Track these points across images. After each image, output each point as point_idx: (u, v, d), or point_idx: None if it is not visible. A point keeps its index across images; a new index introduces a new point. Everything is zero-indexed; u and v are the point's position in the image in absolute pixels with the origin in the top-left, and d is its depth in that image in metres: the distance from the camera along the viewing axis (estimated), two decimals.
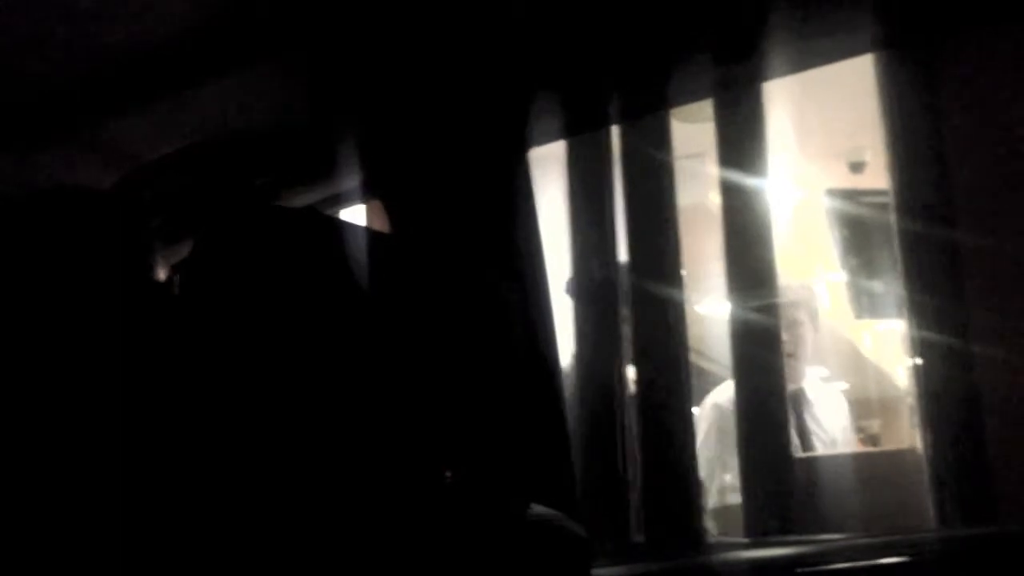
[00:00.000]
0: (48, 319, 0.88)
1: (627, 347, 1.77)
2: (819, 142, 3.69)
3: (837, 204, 2.60)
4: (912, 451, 1.93)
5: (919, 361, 1.53)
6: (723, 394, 2.56)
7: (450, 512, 0.88)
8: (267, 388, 0.86)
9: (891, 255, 1.62)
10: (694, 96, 1.82)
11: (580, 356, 1.77)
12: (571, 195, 1.79)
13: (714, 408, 2.62)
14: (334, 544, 0.82)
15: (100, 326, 0.89)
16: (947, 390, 1.48)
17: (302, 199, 1.48)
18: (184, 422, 0.84)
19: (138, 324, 0.91)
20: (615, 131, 1.77)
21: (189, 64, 1.42)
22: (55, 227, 0.95)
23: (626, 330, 1.76)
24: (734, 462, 2.03)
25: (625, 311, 1.78)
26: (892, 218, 1.57)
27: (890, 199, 1.60)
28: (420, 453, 0.89)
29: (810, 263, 5.05)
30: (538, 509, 0.96)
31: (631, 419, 1.72)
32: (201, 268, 0.92)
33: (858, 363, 6.27)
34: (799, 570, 1.35)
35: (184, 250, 0.93)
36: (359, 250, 0.97)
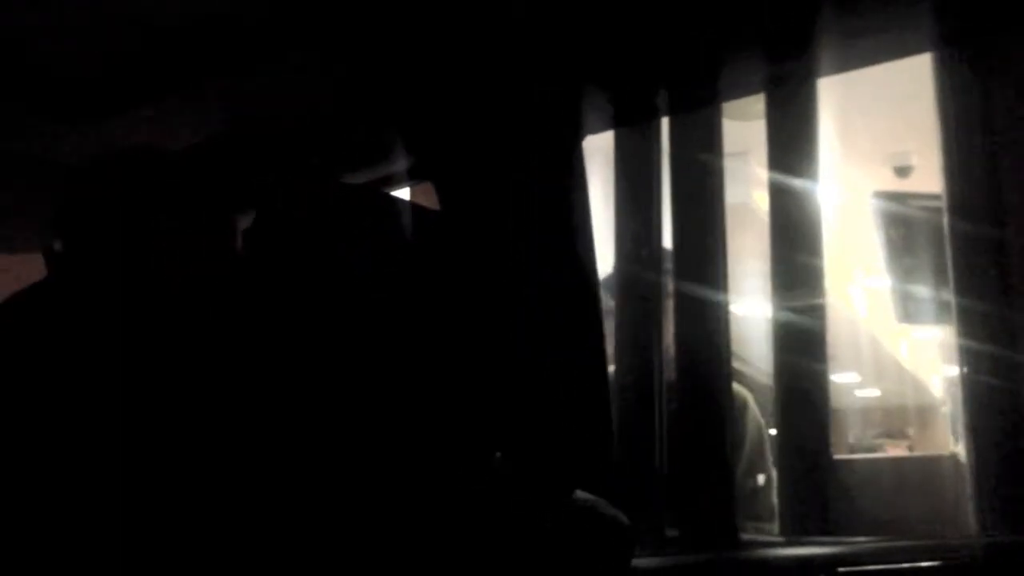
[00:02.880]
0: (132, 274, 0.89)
1: (667, 344, 1.78)
2: (864, 146, 3.66)
3: (885, 206, 2.58)
4: (950, 457, 1.92)
5: (964, 368, 1.52)
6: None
7: (499, 495, 0.89)
8: (321, 359, 0.87)
9: (939, 260, 1.61)
10: (745, 92, 1.82)
11: (620, 350, 1.77)
12: (617, 188, 1.79)
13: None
14: (384, 522, 0.83)
15: (176, 285, 0.90)
16: (991, 398, 1.47)
17: (355, 180, 1.50)
18: (242, 385, 0.85)
19: (210, 285, 0.92)
20: (664, 126, 1.77)
21: (240, 47, 1.43)
22: (138, 184, 0.97)
23: (667, 327, 1.76)
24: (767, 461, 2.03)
25: (667, 307, 1.78)
26: (943, 222, 1.55)
27: (941, 203, 1.59)
28: (470, 435, 0.90)
29: (849, 267, 5.01)
30: (583, 495, 0.97)
31: (668, 414, 1.72)
32: (264, 237, 0.93)
33: (894, 370, 6.22)
34: (840, 569, 1.35)
35: (248, 220, 0.95)
36: (415, 228, 0.98)
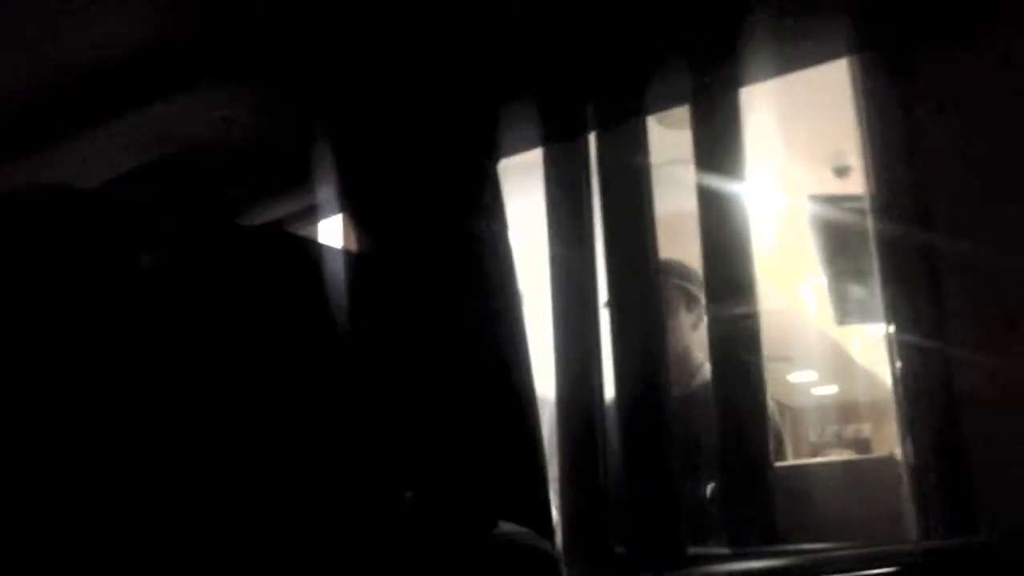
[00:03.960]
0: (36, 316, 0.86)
1: (602, 358, 1.76)
2: (804, 147, 3.68)
3: (818, 209, 2.59)
4: (892, 458, 1.92)
5: (899, 365, 1.52)
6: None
7: (411, 533, 0.86)
8: (227, 405, 0.84)
9: (870, 260, 1.60)
10: (673, 101, 1.81)
11: (560, 365, 1.75)
12: (549, 206, 1.78)
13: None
14: (293, 565, 0.80)
15: (84, 323, 0.86)
16: (926, 395, 1.46)
17: (273, 212, 1.47)
18: (144, 429, 0.82)
19: (115, 322, 0.88)
20: (592, 138, 1.76)
21: (153, 77, 1.40)
22: (43, 224, 0.93)
23: (603, 339, 1.75)
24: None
25: (602, 321, 1.76)
26: (869, 222, 1.55)
27: (867, 204, 1.59)
28: (381, 472, 0.87)
29: (797, 268, 5.04)
30: (505, 527, 0.94)
31: (609, 428, 1.71)
32: (159, 282, 0.90)
33: (847, 367, 6.26)
34: None
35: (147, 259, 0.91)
36: (321, 268, 0.95)
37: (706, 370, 2.00)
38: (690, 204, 1.94)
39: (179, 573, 0.78)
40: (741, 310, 1.72)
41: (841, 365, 6.24)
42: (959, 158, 1.40)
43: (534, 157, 1.79)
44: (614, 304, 1.74)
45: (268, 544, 0.81)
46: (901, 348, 1.50)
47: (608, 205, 1.74)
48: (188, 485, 0.79)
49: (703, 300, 1.85)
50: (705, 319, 1.75)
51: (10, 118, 1.52)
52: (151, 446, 0.79)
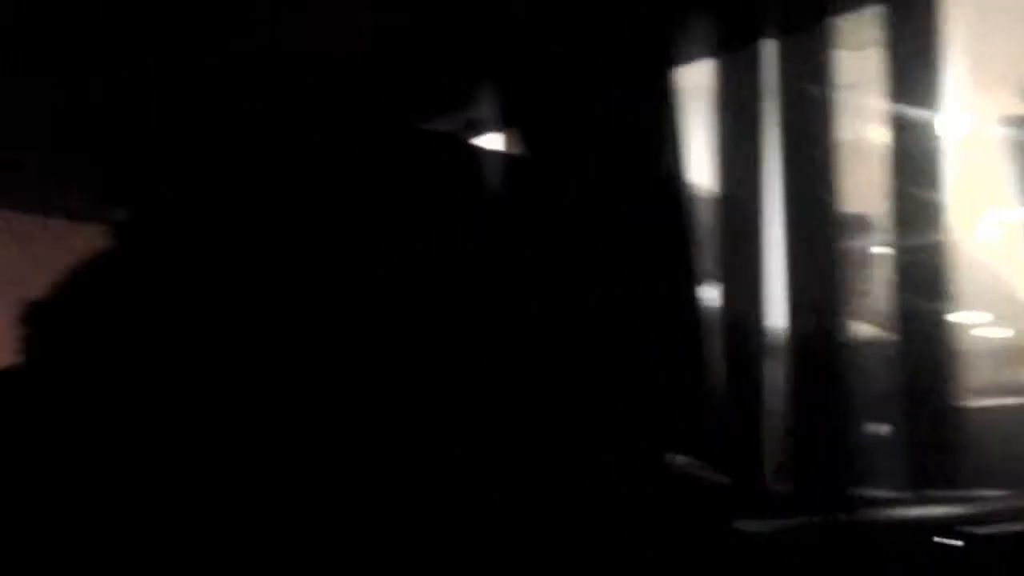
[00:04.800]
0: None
1: (778, 289, 1.68)
2: (991, 70, 3.42)
3: (1013, 132, 2.39)
4: None
5: None
6: None
7: (585, 463, 0.83)
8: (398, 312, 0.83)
9: None
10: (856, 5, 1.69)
11: (724, 297, 1.69)
12: (719, 126, 1.69)
13: None
14: (472, 489, 0.79)
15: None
16: None
17: (440, 127, 1.44)
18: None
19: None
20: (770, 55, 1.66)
21: None
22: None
23: (777, 271, 1.67)
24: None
25: (775, 252, 1.68)
26: None
27: None
28: (551, 400, 0.84)
29: (977, 202, 4.75)
30: (677, 459, 0.90)
31: (779, 362, 1.64)
32: (349, 189, 0.89)
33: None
34: (970, 530, 1.26)
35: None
36: (500, 176, 0.92)
37: (884, 307, 1.90)
38: (866, 130, 1.83)
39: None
40: (927, 246, 1.61)
41: (1018, 307, 5.88)
42: None
43: (701, 78, 1.71)
44: (790, 238, 1.66)
45: (445, 455, 0.79)
46: None
47: (785, 129, 1.65)
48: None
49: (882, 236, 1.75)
50: (886, 255, 1.65)
51: None
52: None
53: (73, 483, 0.83)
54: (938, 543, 1.14)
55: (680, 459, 0.92)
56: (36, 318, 0.93)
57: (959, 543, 1.13)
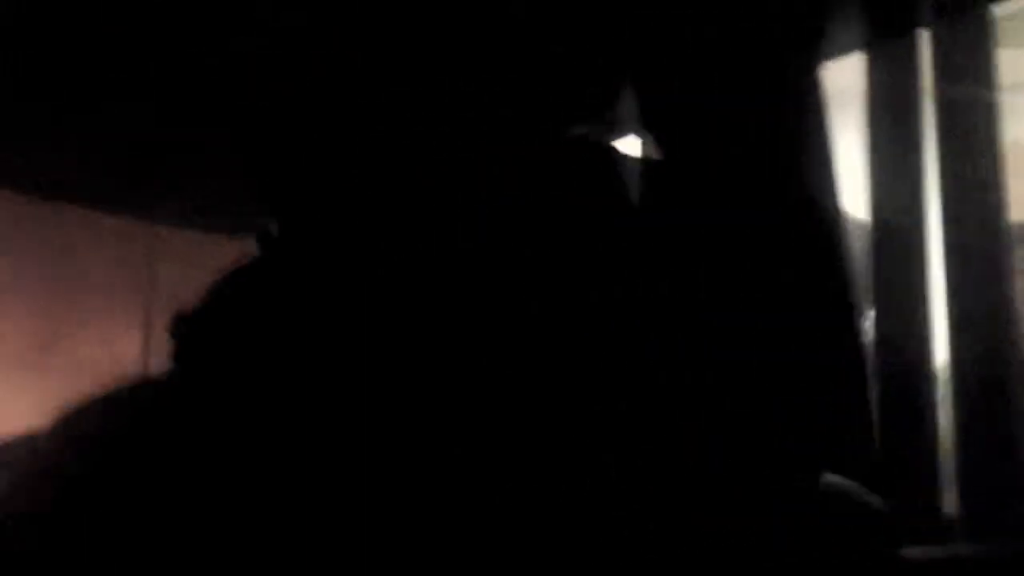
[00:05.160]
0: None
1: (939, 306, 1.58)
2: None
3: None
4: None
5: None
6: None
7: (730, 480, 0.78)
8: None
9: None
10: None
11: (881, 315, 1.60)
12: (870, 129, 1.61)
13: None
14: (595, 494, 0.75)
15: None
16: None
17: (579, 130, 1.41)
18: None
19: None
20: (926, 57, 1.57)
21: None
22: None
23: (938, 288, 1.57)
24: None
25: (935, 267, 1.59)
26: None
27: None
28: (691, 412, 0.80)
29: None
30: (832, 479, 0.84)
31: (944, 381, 1.54)
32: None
33: None
34: None
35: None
36: (641, 183, 0.89)
37: None
38: None
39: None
40: None
41: None
42: None
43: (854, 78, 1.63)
44: (951, 250, 1.56)
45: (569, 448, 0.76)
46: None
47: (944, 132, 1.55)
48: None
49: None
50: None
51: None
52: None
53: (217, 491, 0.83)
54: None
55: (839, 481, 0.85)
56: (184, 331, 0.94)
57: None
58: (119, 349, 2.81)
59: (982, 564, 1.32)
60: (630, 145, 1.16)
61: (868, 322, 1.56)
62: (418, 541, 0.76)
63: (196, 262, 2.56)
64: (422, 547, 0.75)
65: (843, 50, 1.54)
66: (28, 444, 0.96)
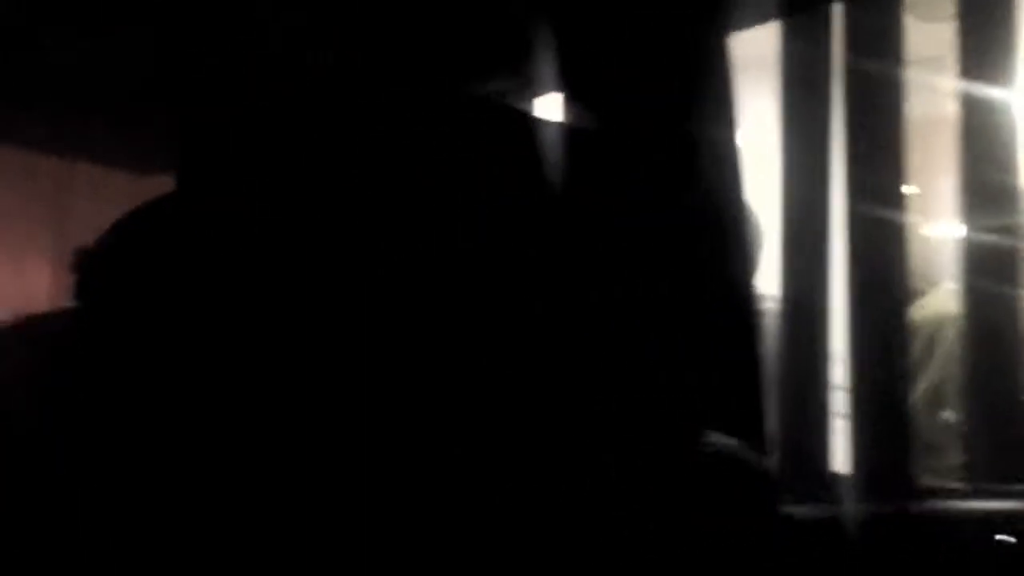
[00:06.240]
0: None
1: (840, 268, 1.63)
2: None
3: None
4: None
5: None
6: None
7: (609, 439, 0.80)
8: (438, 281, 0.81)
9: None
10: None
11: (787, 277, 1.64)
12: (783, 99, 1.63)
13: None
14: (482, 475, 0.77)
15: None
16: None
17: (483, 90, 1.41)
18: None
19: None
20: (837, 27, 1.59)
21: None
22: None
23: (838, 250, 1.61)
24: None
25: (838, 230, 1.63)
26: None
27: None
28: (582, 372, 0.81)
29: None
30: (715, 438, 0.87)
31: (838, 342, 1.58)
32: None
33: None
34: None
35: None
36: (546, 144, 0.90)
37: (951, 291, 1.84)
38: (940, 107, 1.77)
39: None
40: (999, 228, 1.54)
41: None
42: None
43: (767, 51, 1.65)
44: (855, 218, 1.60)
45: (459, 435, 0.77)
46: None
47: (853, 105, 1.58)
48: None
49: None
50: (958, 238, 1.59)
51: None
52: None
53: (117, 424, 0.83)
54: (993, 538, 1.09)
55: (722, 440, 0.88)
56: (86, 266, 0.94)
57: (1012, 539, 1.08)
58: (28, 282, 2.76)
59: (867, 523, 1.38)
60: (550, 103, 1.16)
61: (767, 286, 1.60)
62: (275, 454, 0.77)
63: (107, 198, 2.51)
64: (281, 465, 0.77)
65: (758, 20, 1.56)
66: None
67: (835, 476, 1.50)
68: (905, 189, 1.59)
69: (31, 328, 1.10)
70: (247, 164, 0.94)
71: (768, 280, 1.64)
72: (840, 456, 1.51)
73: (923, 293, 2.64)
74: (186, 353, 0.83)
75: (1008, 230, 1.54)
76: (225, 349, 0.82)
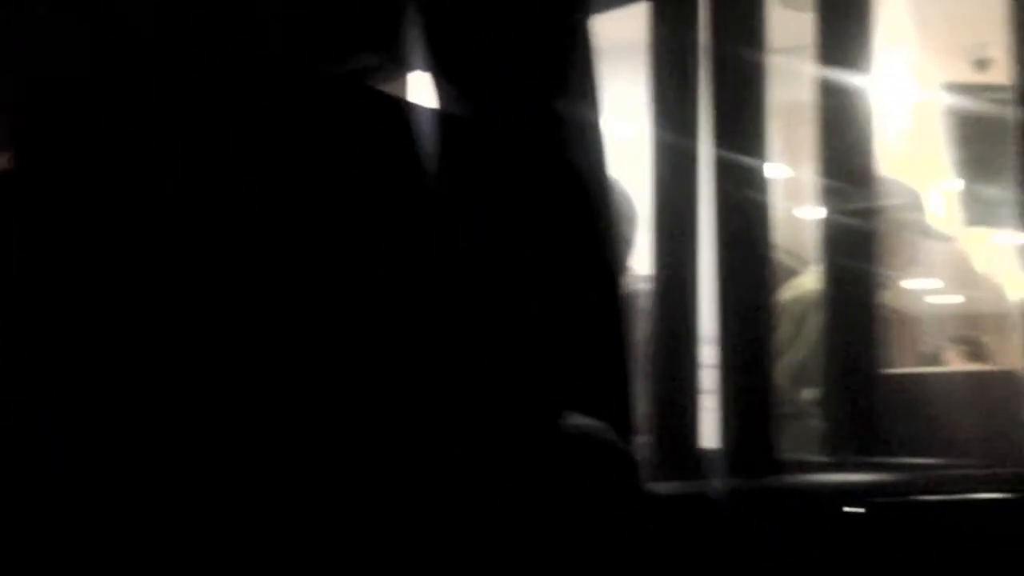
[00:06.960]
0: None
1: (707, 249, 1.67)
2: (939, 36, 3.41)
3: (955, 100, 2.39)
4: (1015, 373, 1.79)
5: None
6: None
7: (467, 420, 0.80)
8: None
9: (1009, 158, 1.47)
10: None
11: (655, 257, 1.67)
12: (651, 83, 1.66)
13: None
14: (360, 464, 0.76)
15: None
16: None
17: (351, 66, 1.39)
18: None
19: None
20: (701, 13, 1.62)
21: None
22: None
23: (705, 231, 1.65)
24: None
25: (705, 212, 1.66)
26: (1011, 116, 1.41)
27: (1011, 95, 1.44)
28: (443, 353, 0.82)
29: (922, 168, 4.78)
30: (575, 419, 0.88)
31: (706, 322, 1.62)
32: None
33: (970, 276, 5.97)
34: (879, 499, 1.25)
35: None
36: (403, 125, 0.89)
37: (815, 272, 1.90)
38: (801, 93, 1.82)
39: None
40: (857, 210, 1.60)
41: (962, 274, 5.96)
42: None
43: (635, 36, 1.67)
44: (721, 199, 1.64)
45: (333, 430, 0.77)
46: None
47: (718, 91, 1.61)
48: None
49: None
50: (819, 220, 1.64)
51: None
52: None
53: None
54: (842, 509, 1.13)
55: (583, 421, 0.89)
56: None
57: (861, 510, 1.13)
58: None
59: (732, 498, 1.42)
60: (420, 81, 1.15)
61: (636, 264, 1.63)
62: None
63: None
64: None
65: (625, 1, 1.58)
66: None
67: (703, 452, 1.54)
68: (771, 173, 1.63)
69: None
70: (89, 150, 0.91)
71: (642, 261, 1.67)
72: (709, 433, 1.55)
73: (797, 273, 2.74)
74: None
75: (866, 213, 1.60)
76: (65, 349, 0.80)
